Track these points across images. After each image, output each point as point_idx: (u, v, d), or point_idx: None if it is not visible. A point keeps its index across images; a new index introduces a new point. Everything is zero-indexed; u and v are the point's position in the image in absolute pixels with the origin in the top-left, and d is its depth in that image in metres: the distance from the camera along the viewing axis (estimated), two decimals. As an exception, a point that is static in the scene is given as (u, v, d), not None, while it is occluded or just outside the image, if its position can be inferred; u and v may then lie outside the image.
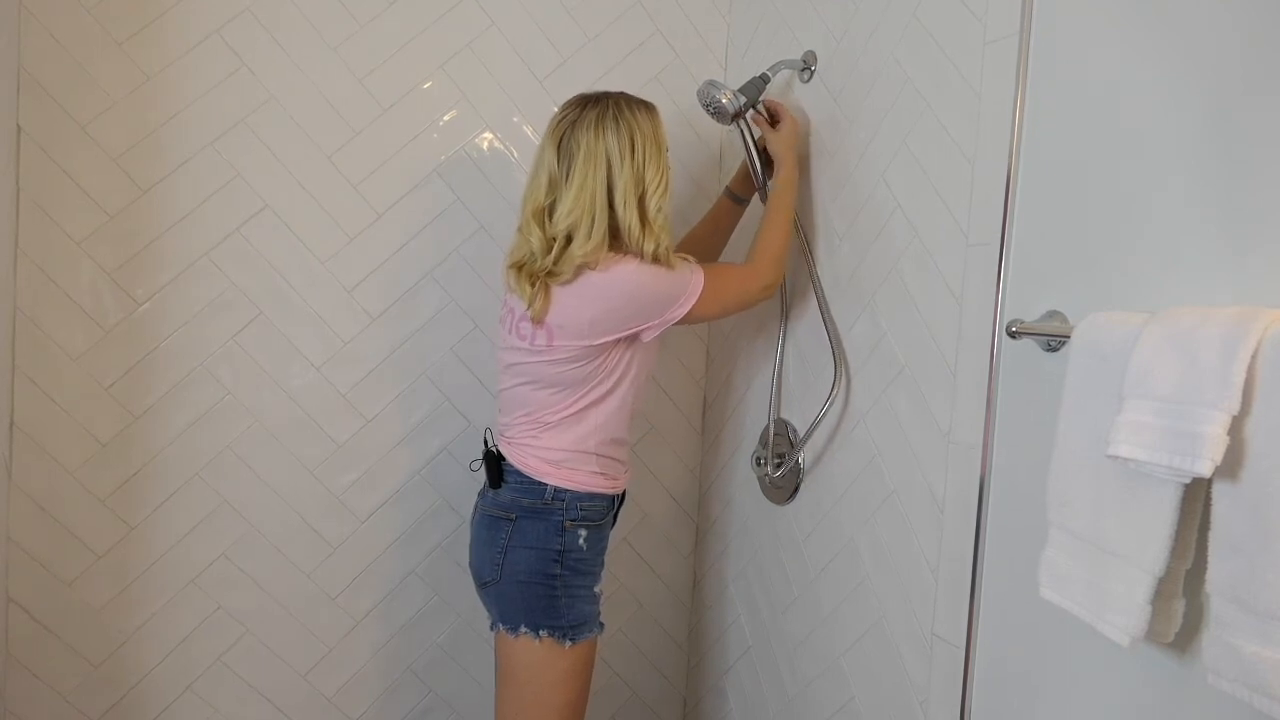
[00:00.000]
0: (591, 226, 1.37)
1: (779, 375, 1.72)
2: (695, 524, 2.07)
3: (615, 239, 1.40)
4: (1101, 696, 1.03)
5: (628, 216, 1.38)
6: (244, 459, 1.69)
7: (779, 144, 1.59)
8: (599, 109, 1.41)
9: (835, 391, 1.56)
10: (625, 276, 1.38)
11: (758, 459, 1.74)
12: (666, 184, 1.42)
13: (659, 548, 2.03)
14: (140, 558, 1.64)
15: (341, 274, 1.72)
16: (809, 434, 1.60)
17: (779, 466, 1.68)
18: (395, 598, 1.81)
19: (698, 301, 1.43)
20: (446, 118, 1.77)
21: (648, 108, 1.45)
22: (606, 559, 1.54)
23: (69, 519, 1.59)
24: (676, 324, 1.45)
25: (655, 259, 1.39)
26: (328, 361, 1.73)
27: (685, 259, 1.46)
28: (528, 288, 1.39)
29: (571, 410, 1.45)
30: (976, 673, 1.22)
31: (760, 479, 1.76)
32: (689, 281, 1.43)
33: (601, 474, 1.48)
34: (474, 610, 1.83)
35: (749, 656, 1.82)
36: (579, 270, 1.37)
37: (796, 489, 1.66)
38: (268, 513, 1.71)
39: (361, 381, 1.75)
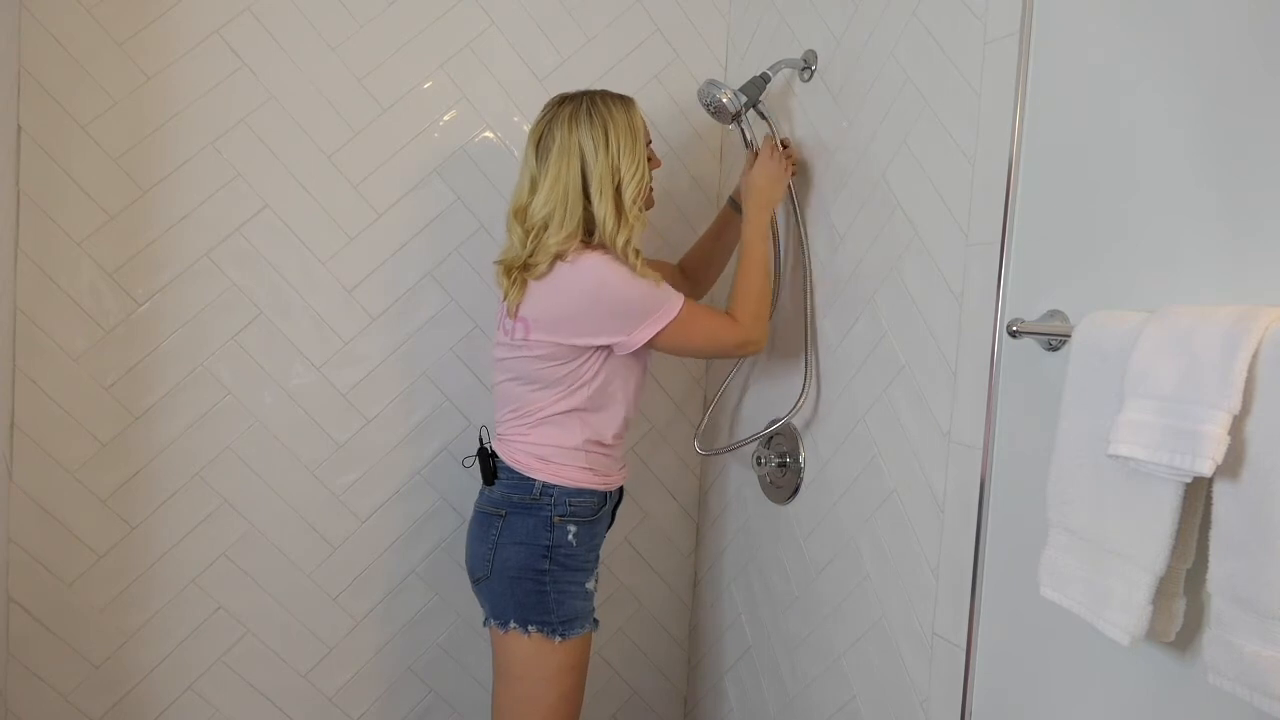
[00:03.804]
0: (565, 216, 1.40)
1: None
2: (695, 523, 2.07)
3: (590, 234, 1.43)
4: (1102, 695, 1.03)
5: (603, 207, 1.41)
6: (244, 459, 1.69)
7: (746, 187, 1.58)
8: (573, 105, 1.45)
9: (803, 397, 1.60)
10: (594, 269, 1.39)
11: (758, 458, 1.74)
12: (643, 173, 1.44)
13: (659, 547, 2.03)
14: (140, 558, 1.64)
15: (341, 274, 1.72)
16: (762, 435, 1.67)
17: (780, 465, 1.69)
18: (395, 597, 1.82)
19: (672, 324, 1.42)
20: (446, 118, 1.77)
21: (623, 100, 1.47)
22: (604, 557, 1.54)
23: (69, 519, 1.59)
24: (648, 346, 1.43)
25: (624, 253, 1.40)
26: (328, 361, 1.73)
27: (660, 280, 1.44)
28: (505, 280, 1.45)
29: (555, 410, 1.46)
30: (977, 672, 1.22)
31: (760, 478, 1.76)
32: (666, 300, 1.42)
33: (590, 470, 1.48)
34: (474, 609, 1.82)
35: (749, 656, 1.82)
36: (553, 263, 1.40)
37: (797, 488, 1.66)
38: (268, 513, 1.71)
39: (361, 381, 1.75)
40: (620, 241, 1.41)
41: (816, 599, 1.59)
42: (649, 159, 1.50)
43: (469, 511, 1.57)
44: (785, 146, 1.62)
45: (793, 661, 1.66)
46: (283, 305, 1.69)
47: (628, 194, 1.42)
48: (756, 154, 1.60)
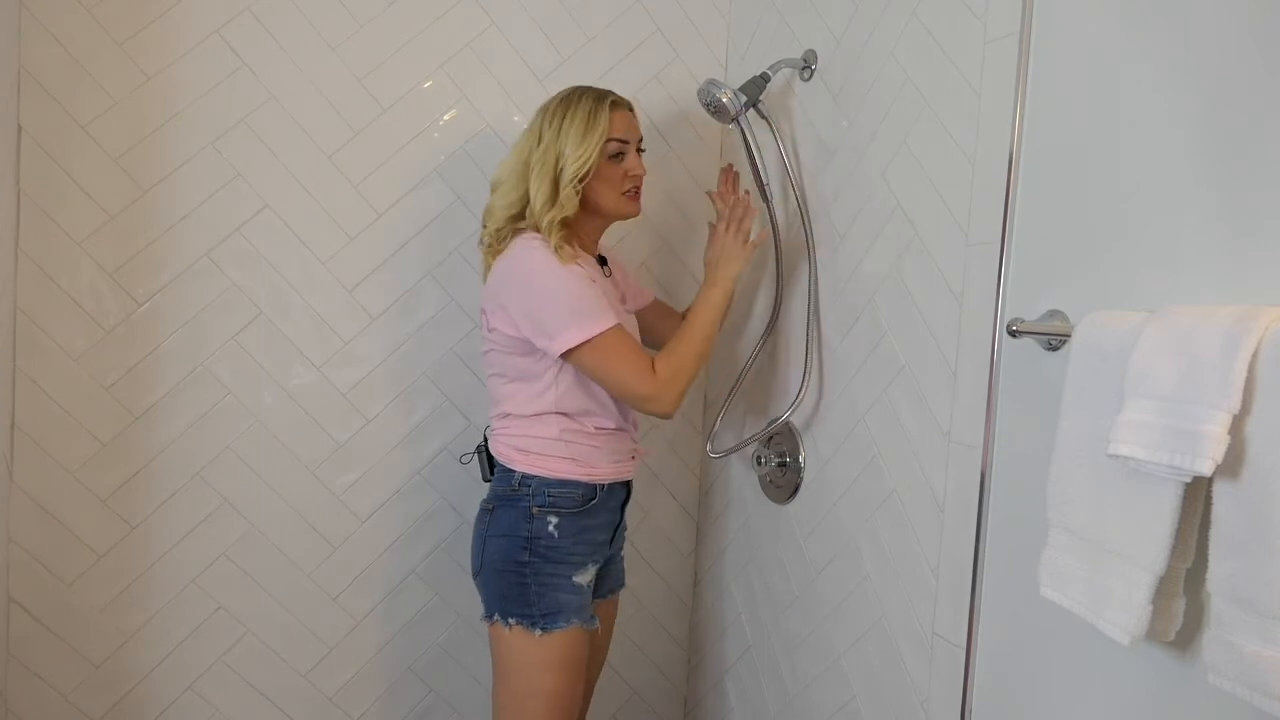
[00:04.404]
0: (513, 185, 1.48)
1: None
2: (695, 523, 2.07)
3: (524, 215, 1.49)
4: (1102, 695, 1.03)
5: (537, 182, 1.44)
6: (244, 459, 1.69)
7: (709, 253, 1.58)
8: (557, 97, 1.51)
9: (802, 392, 1.60)
10: (528, 254, 1.42)
11: (758, 458, 1.74)
12: (585, 159, 1.44)
13: (659, 547, 2.03)
14: (141, 558, 1.64)
15: (341, 274, 1.72)
16: (762, 434, 1.67)
17: (780, 465, 1.69)
18: (396, 597, 1.82)
19: (594, 341, 1.37)
20: (446, 117, 1.77)
21: (600, 95, 1.49)
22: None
23: (69, 519, 1.59)
24: (568, 359, 1.40)
25: (547, 230, 1.42)
26: (328, 361, 1.73)
27: (588, 281, 1.42)
28: (480, 250, 1.56)
29: (530, 411, 1.46)
30: (977, 672, 1.22)
31: (760, 478, 1.76)
32: (597, 315, 1.38)
33: (572, 460, 1.46)
34: (474, 609, 1.82)
35: (749, 656, 1.82)
36: (499, 245, 1.47)
37: (797, 488, 1.66)
38: (268, 513, 1.71)
39: (361, 381, 1.75)
40: (546, 220, 1.42)
41: (816, 599, 1.59)
42: (618, 156, 1.49)
43: (469, 511, 1.58)
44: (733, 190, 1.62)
45: (793, 661, 1.66)
46: (283, 305, 1.69)
47: (565, 174, 1.44)
48: (718, 229, 1.60)
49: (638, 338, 1.56)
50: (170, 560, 1.66)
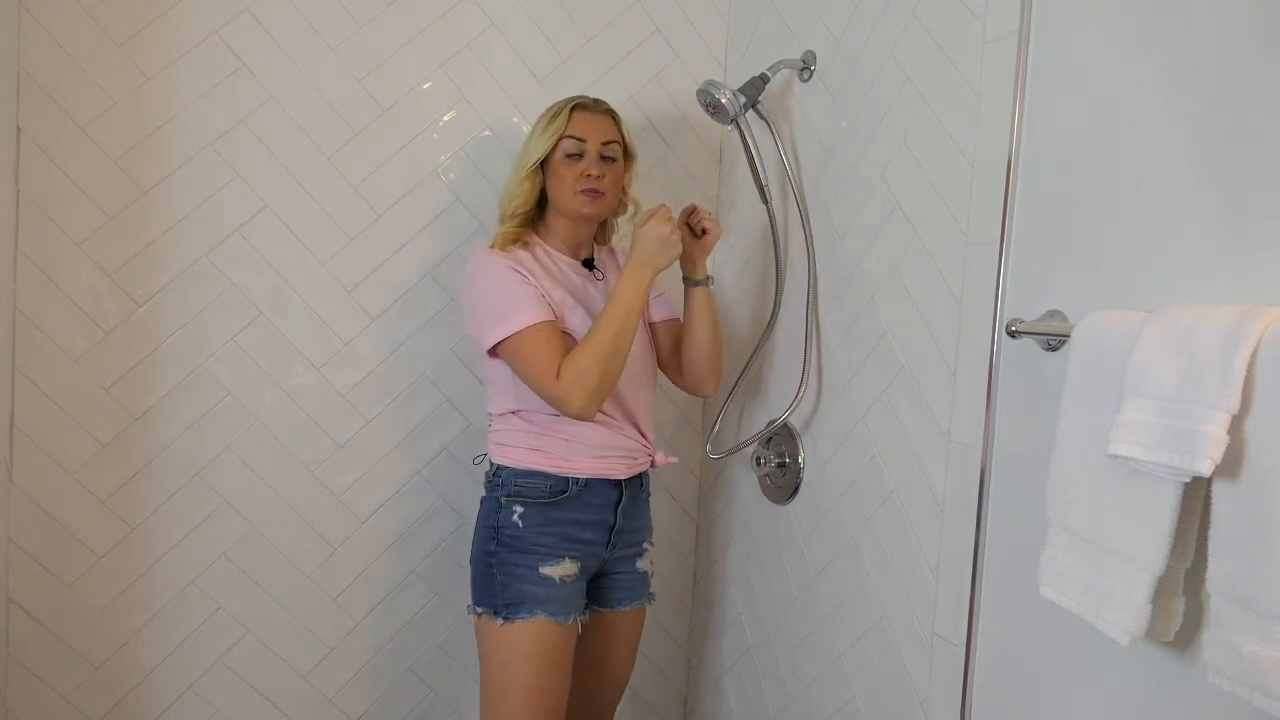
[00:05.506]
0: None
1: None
2: (695, 523, 2.07)
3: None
4: (1102, 694, 1.03)
5: (508, 181, 1.55)
6: (244, 459, 1.69)
7: (632, 241, 1.47)
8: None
9: (801, 393, 1.60)
10: (471, 259, 1.51)
11: (758, 458, 1.74)
12: (530, 155, 1.50)
13: (659, 547, 2.01)
14: (140, 558, 1.64)
15: (341, 274, 1.72)
16: (761, 435, 1.68)
17: (780, 466, 1.69)
18: (395, 598, 1.82)
19: (510, 340, 1.39)
20: (446, 118, 1.77)
21: (569, 100, 1.53)
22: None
23: (69, 519, 1.59)
24: (497, 355, 1.44)
25: (505, 220, 1.52)
26: (328, 361, 1.73)
27: (523, 282, 1.42)
28: None
29: (504, 409, 1.51)
30: (977, 672, 1.22)
31: (760, 479, 1.76)
32: (517, 313, 1.39)
33: (540, 451, 1.48)
34: (474, 610, 1.83)
35: (749, 656, 1.82)
36: None
37: (796, 488, 1.66)
38: (268, 513, 1.71)
39: (361, 381, 1.75)
40: (504, 211, 1.53)
41: (816, 599, 1.59)
42: (576, 155, 1.48)
43: (469, 511, 1.58)
44: (694, 213, 1.57)
45: (793, 661, 1.66)
46: (282, 305, 1.69)
47: (518, 167, 1.52)
48: (651, 214, 1.48)
49: (649, 351, 1.59)
50: (170, 561, 1.66)
